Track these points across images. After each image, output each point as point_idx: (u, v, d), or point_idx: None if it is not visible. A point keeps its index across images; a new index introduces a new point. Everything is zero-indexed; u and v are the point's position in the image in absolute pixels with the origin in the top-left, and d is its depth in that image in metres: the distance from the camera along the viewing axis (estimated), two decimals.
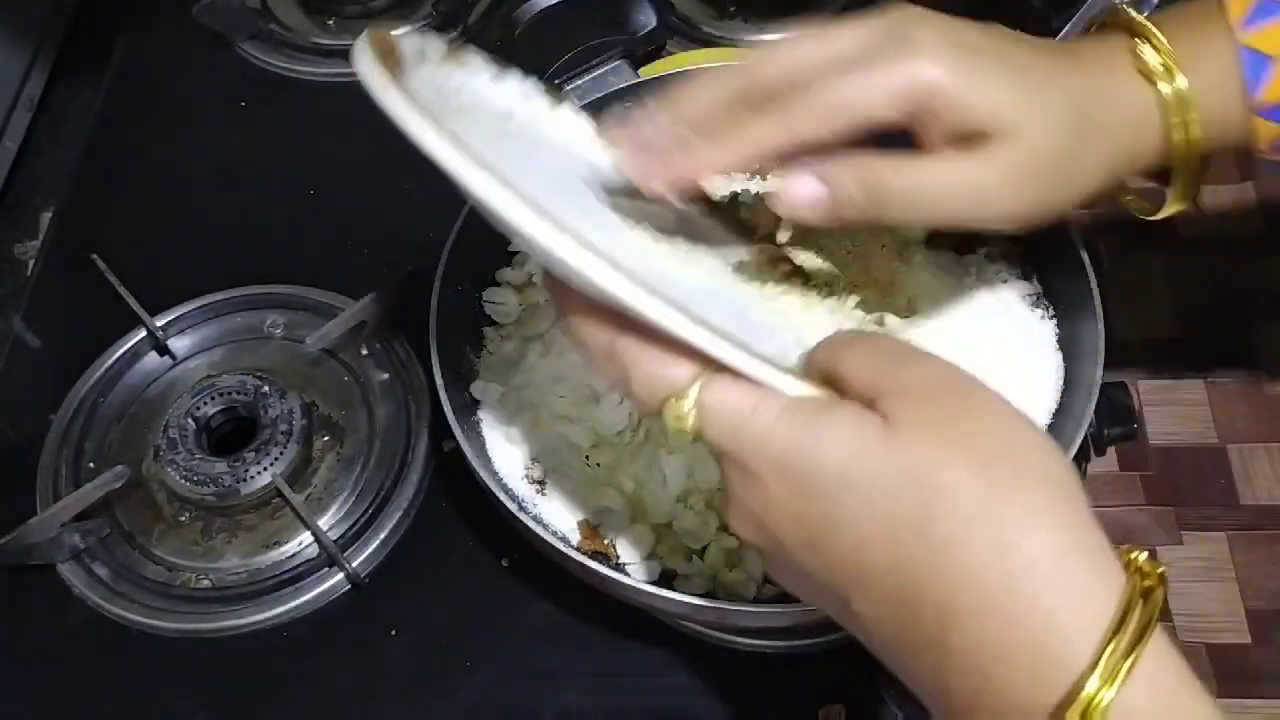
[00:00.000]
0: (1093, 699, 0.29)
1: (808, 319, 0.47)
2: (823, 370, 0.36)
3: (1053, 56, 0.44)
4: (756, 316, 0.46)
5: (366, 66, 0.37)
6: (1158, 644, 0.30)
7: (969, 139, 0.42)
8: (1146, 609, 0.30)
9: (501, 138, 0.44)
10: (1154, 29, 0.45)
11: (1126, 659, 0.29)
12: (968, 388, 0.35)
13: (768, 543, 0.36)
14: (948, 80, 0.40)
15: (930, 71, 0.40)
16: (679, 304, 0.34)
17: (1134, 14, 0.46)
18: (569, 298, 0.38)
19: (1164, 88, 0.45)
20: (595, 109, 0.54)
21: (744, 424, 0.35)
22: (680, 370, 0.36)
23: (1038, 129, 0.42)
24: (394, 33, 0.40)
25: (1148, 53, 0.45)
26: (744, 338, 0.36)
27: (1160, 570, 0.31)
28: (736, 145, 0.41)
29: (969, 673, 0.32)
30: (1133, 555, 0.32)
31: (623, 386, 0.38)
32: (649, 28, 0.75)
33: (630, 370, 0.37)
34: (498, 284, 0.63)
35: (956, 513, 0.32)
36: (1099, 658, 0.29)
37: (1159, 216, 0.50)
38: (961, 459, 0.32)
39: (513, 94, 0.47)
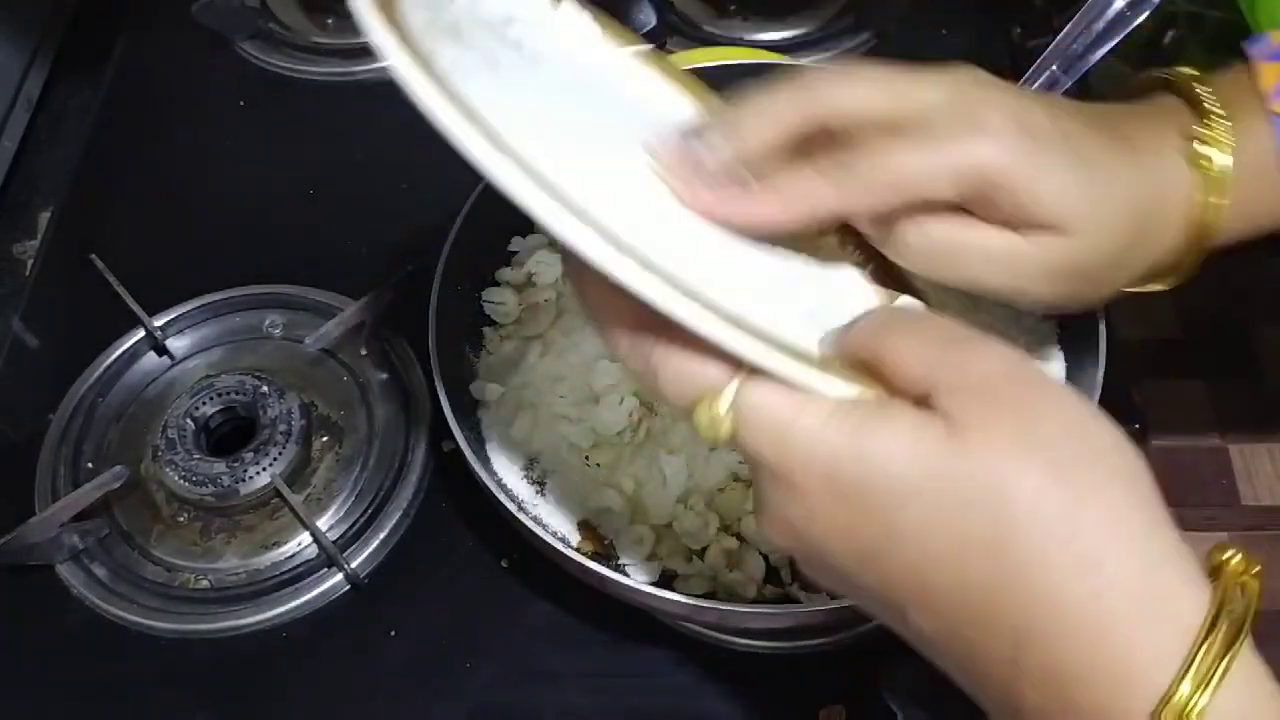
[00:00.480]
0: (1185, 707, 0.28)
1: (834, 275, 0.44)
2: (863, 354, 0.34)
3: (1111, 141, 0.42)
4: (777, 265, 0.42)
5: (363, 7, 0.33)
6: (1244, 647, 0.29)
7: (1023, 227, 0.40)
8: (1239, 611, 0.29)
9: (503, 52, 0.41)
10: (1215, 104, 0.43)
11: (1220, 661, 0.28)
12: (1036, 380, 0.32)
13: (809, 553, 0.34)
14: (1015, 172, 0.39)
15: (997, 159, 0.38)
16: (713, 285, 0.31)
17: (1198, 88, 0.44)
18: (588, 278, 0.35)
19: (1206, 167, 0.43)
20: None
21: (787, 431, 0.33)
22: (715, 369, 0.34)
23: (1095, 237, 0.40)
24: None
25: (1206, 135, 0.43)
26: (778, 293, 0.33)
27: (1256, 569, 0.30)
28: (790, 204, 0.39)
29: (1044, 692, 0.30)
30: (1225, 555, 0.30)
31: (649, 382, 0.35)
32: (649, 26, 0.75)
33: (659, 366, 0.35)
34: (497, 284, 0.62)
35: (1036, 528, 0.30)
36: (1190, 663, 0.28)
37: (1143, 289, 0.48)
38: (1037, 467, 0.30)
39: None
